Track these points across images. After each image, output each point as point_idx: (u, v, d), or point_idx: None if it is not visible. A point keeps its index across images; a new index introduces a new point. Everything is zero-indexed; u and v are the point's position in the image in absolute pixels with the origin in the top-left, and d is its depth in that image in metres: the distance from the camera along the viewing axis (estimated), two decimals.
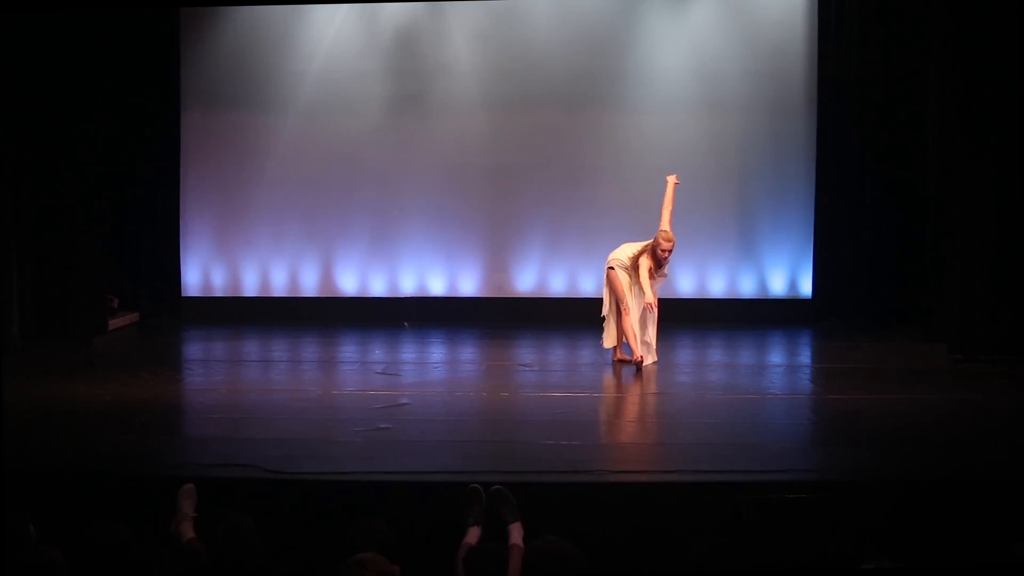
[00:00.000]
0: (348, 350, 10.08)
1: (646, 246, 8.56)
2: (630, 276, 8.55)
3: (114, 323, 10.76)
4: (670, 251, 8.49)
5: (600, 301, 8.84)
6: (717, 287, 11.29)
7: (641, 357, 8.38)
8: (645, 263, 8.47)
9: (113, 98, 10.87)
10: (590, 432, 6.71)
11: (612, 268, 8.64)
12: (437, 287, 11.49)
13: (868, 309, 10.89)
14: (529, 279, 11.45)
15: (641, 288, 8.45)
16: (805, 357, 9.93)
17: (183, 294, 11.48)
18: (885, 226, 10.84)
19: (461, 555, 4.44)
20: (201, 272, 11.53)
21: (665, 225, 8.59)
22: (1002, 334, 8.78)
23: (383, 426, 6.55)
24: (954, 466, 5.71)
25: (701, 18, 11.25)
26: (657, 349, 8.63)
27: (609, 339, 8.75)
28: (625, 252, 8.67)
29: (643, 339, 8.50)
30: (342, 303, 11.44)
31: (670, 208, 8.71)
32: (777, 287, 11.36)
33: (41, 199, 9.86)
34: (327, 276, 11.52)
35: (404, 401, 7.31)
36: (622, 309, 8.46)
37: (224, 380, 8.46)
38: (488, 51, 11.33)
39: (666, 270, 8.64)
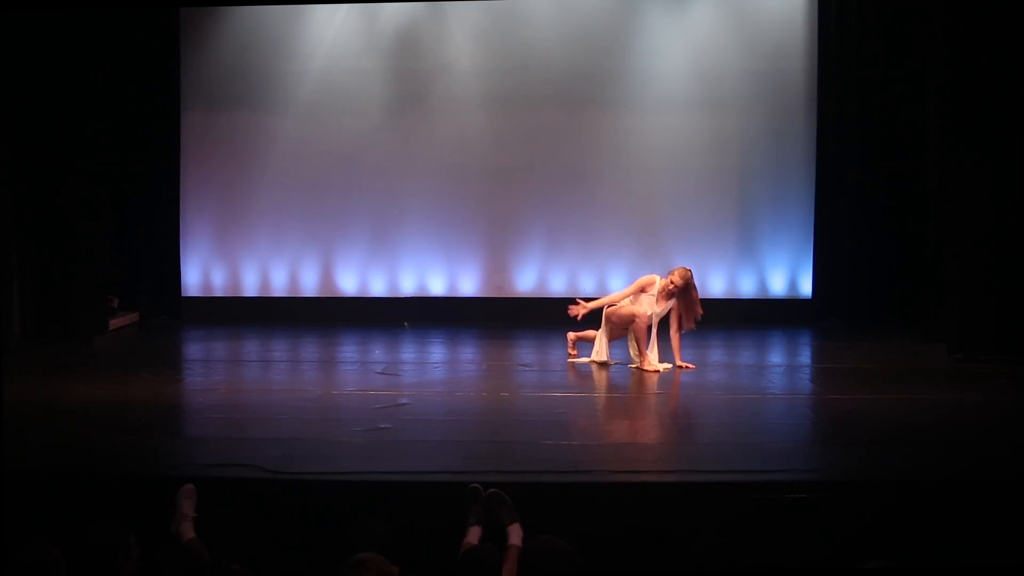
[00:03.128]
0: (348, 350, 10.07)
1: (646, 290, 8.50)
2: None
3: (114, 323, 10.76)
4: (680, 286, 8.45)
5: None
6: (717, 287, 11.28)
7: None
8: (648, 307, 8.47)
9: (113, 98, 10.86)
10: (590, 432, 6.71)
11: (611, 305, 8.60)
12: (437, 287, 11.49)
13: (868, 309, 10.90)
14: (529, 279, 11.44)
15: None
16: (805, 357, 9.92)
17: (183, 294, 11.48)
18: (885, 226, 10.84)
19: (461, 555, 4.44)
20: (201, 272, 11.53)
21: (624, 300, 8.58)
22: (1002, 334, 8.78)
23: (383, 426, 6.55)
24: (954, 466, 5.70)
25: (701, 18, 11.25)
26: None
27: (601, 353, 8.67)
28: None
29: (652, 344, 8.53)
30: (342, 303, 11.44)
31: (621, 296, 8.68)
32: (777, 287, 11.36)
33: (41, 199, 9.86)
34: (327, 276, 11.52)
35: (404, 401, 7.31)
36: (651, 326, 8.44)
37: (224, 380, 8.45)
38: (488, 51, 11.32)
39: (699, 308, 8.52)
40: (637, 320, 8.42)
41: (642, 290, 8.57)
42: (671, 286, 8.47)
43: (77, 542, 4.12)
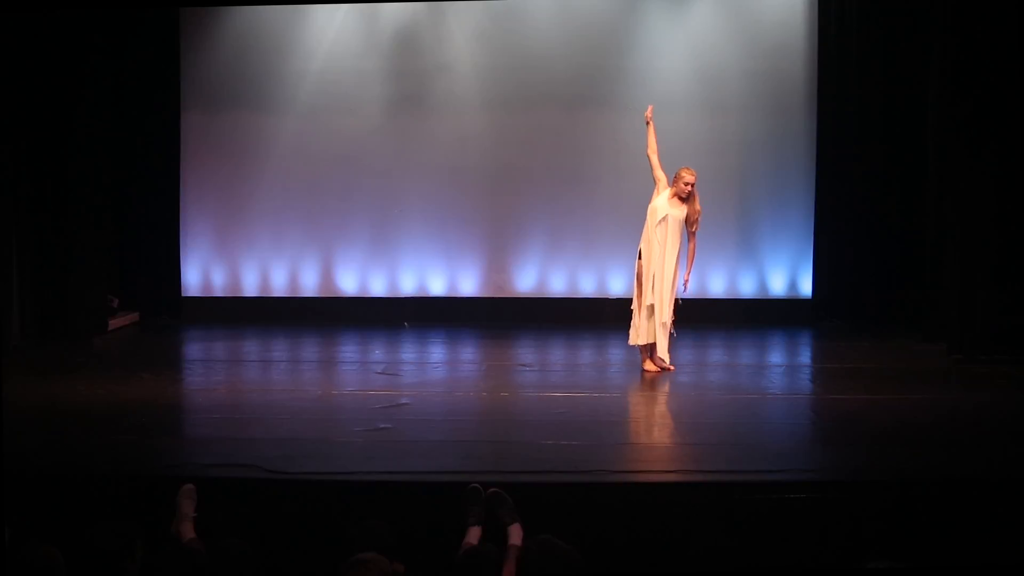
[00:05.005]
0: (348, 350, 10.08)
1: (659, 187, 8.33)
2: (658, 243, 8.29)
3: (114, 323, 10.76)
4: (693, 184, 8.23)
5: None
6: (717, 287, 11.29)
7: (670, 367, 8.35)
8: (662, 210, 8.25)
9: (113, 98, 10.87)
10: (590, 432, 6.70)
11: (640, 257, 8.38)
12: (437, 287, 11.49)
13: (868, 309, 10.90)
14: (529, 279, 11.44)
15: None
16: (805, 357, 9.93)
17: (183, 294, 11.48)
18: (885, 226, 10.84)
19: (461, 555, 4.44)
20: (201, 272, 11.53)
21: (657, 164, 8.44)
22: (1002, 334, 8.78)
23: (383, 426, 6.55)
24: (954, 466, 5.71)
25: (701, 18, 11.25)
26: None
27: (638, 336, 8.37)
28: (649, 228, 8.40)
29: (661, 320, 8.26)
30: (342, 303, 11.44)
31: (655, 145, 8.53)
32: (777, 287, 11.36)
33: (41, 199, 9.87)
34: (327, 276, 11.52)
35: (404, 401, 7.31)
36: (642, 304, 8.24)
37: (224, 380, 8.46)
38: (488, 51, 11.32)
39: (698, 205, 8.29)
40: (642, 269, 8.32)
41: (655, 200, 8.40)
42: (687, 188, 8.24)
43: (80, 542, 4.12)
